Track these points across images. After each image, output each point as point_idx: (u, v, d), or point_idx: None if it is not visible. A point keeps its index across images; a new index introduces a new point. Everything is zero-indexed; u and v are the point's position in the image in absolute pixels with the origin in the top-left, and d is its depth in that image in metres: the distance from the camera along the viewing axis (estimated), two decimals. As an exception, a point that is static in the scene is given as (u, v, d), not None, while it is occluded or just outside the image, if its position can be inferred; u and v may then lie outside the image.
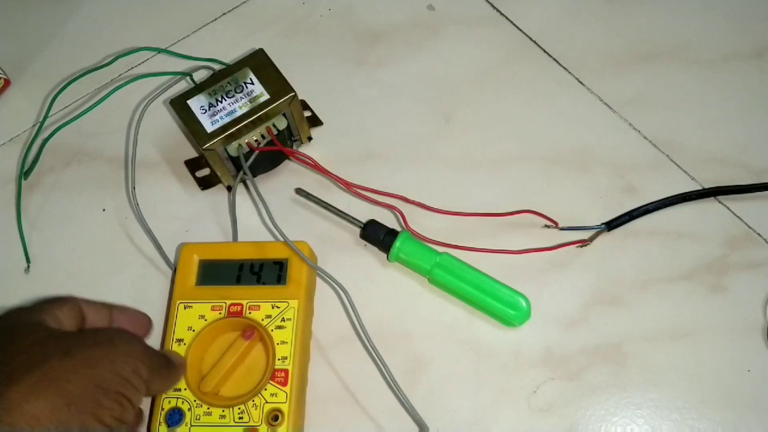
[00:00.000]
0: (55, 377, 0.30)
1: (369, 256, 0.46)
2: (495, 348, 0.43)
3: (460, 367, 0.43)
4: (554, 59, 0.53)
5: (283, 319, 0.41)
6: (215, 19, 0.56)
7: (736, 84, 0.51)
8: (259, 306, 0.41)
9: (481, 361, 0.43)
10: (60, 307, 0.36)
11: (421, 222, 0.46)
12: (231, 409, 0.39)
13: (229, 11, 0.56)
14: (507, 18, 0.55)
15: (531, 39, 0.54)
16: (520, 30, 0.54)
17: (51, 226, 0.48)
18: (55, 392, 0.30)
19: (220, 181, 0.49)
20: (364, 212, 0.47)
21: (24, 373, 0.30)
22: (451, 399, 0.42)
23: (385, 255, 0.45)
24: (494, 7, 0.55)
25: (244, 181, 0.48)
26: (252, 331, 0.40)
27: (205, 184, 0.49)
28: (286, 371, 0.40)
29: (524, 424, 0.41)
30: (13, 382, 0.30)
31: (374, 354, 0.41)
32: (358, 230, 0.46)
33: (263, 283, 0.43)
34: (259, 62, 0.46)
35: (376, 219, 0.46)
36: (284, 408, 0.39)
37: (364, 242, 0.47)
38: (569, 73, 0.52)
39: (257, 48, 0.47)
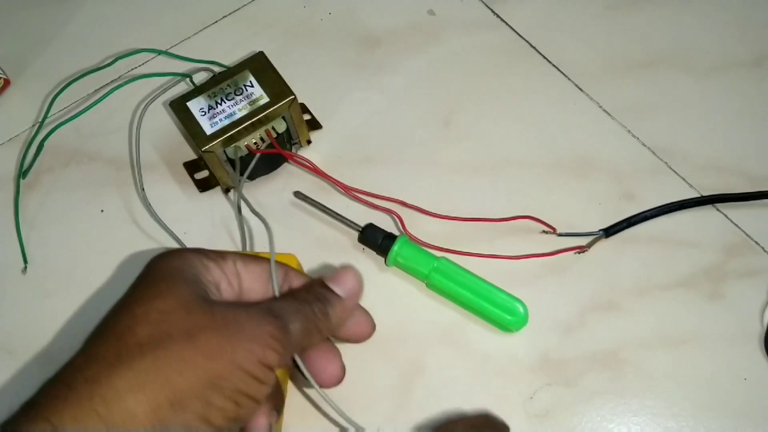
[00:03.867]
0: (166, 366, 0.26)
1: (366, 260, 0.46)
2: (492, 353, 0.43)
3: (456, 372, 0.43)
4: (554, 65, 0.53)
5: None
6: (216, 22, 0.56)
7: (735, 92, 0.51)
8: None
9: (478, 366, 0.43)
10: (219, 264, 0.31)
11: (419, 226, 0.46)
12: None
13: (230, 14, 0.56)
14: (507, 24, 0.55)
15: (531, 45, 0.54)
16: (520, 36, 0.54)
17: (49, 226, 0.48)
18: (162, 385, 0.26)
19: (218, 184, 0.49)
20: (363, 216, 0.47)
21: (136, 356, 0.26)
22: (448, 404, 0.42)
23: (383, 259, 0.45)
24: (495, 13, 0.55)
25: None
26: None
27: (203, 186, 0.49)
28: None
29: (521, 429, 0.41)
30: (123, 366, 0.26)
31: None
32: (356, 234, 0.46)
33: None
34: (259, 65, 0.46)
35: (375, 223, 0.46)
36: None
37: (362, 246, 0.47)
38: (569, 79, 0.52)
39: (257, 51, 0.47)
